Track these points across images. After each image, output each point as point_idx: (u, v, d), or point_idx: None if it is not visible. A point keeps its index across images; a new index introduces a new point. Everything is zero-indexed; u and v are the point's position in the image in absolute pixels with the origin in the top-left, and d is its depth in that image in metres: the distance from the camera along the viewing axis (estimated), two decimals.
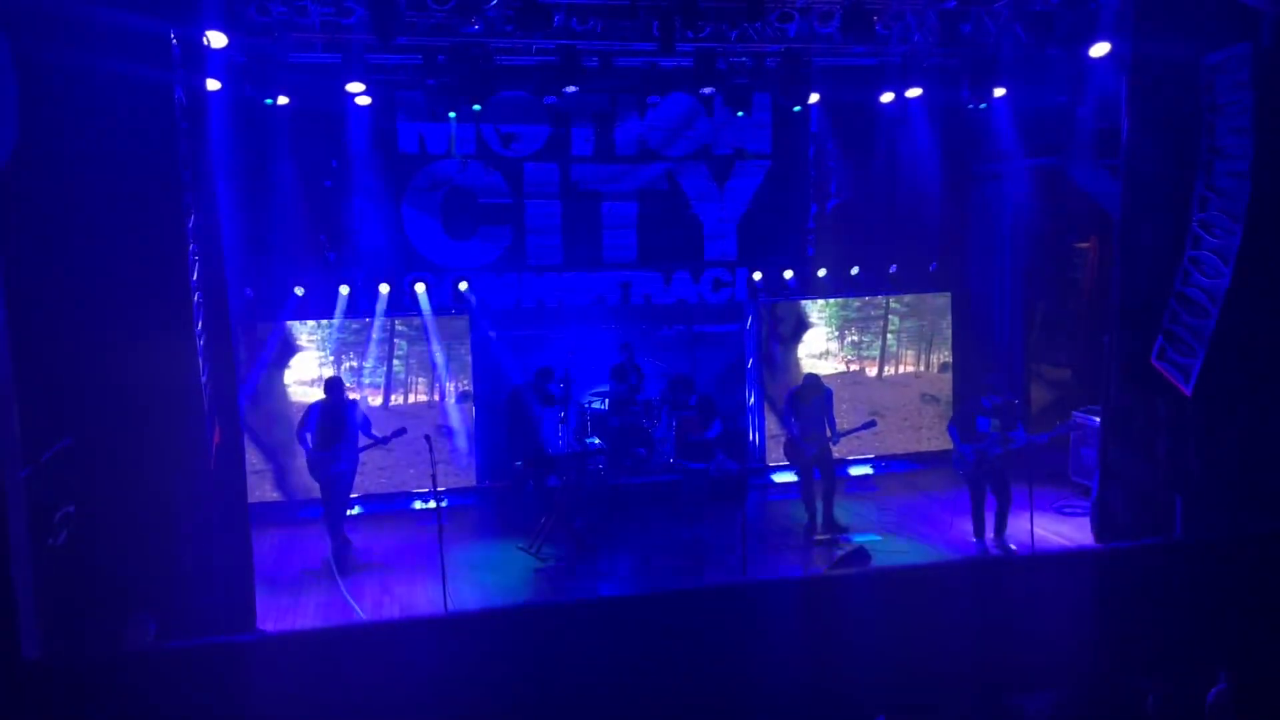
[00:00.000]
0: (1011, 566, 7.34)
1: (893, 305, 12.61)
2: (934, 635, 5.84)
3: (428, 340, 11.52)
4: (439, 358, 11.47)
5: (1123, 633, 6.12)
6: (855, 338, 12.56)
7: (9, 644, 5.19)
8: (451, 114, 10.59)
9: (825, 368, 12.08)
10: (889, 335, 12.66)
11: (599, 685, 5.47)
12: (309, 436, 9.55)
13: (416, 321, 11.50)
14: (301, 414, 9.77)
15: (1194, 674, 5.32)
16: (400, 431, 9.62)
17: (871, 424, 10.69)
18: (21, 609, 5.27)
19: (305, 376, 11.17)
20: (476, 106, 10.34)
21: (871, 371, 12.62)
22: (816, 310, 12.42)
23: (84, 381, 6.64)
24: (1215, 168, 8.28)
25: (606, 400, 11.86)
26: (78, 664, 5.44)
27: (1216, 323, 8.16)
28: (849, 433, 10.34)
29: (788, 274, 12.58)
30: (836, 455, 10.62)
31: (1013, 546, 9.32)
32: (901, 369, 12.73)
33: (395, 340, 11.47)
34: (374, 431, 9.74)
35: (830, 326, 12.47)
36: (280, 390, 11.14)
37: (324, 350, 11.23)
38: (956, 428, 9.47)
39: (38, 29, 6.08)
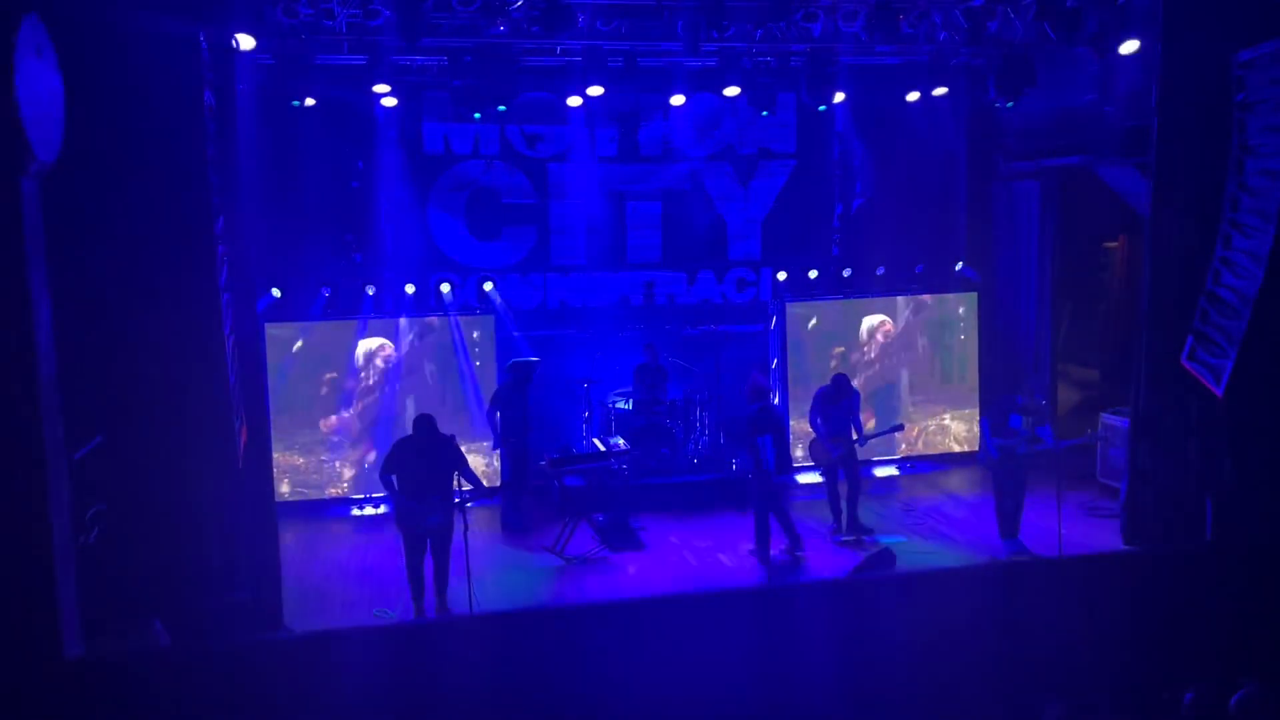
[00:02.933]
0: (1039, 571, 7.28)
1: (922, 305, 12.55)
2: (960, 640, 5.81)
3: (457, 340, 11.58)
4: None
5: (1151, 638, 6.07)
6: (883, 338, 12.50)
7: (51, 644, 5.26)
8: (476, 114, 10.64)
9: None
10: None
11: (624, 687, 5.47)
12: (394, 480, 8.13)
13: (447, 321, 11.56)
14: (386, 453, 8.37)
15: (1224, 679, 5.27)
16: (513, 480, 8.47)
17: (899, 428, 10.62)
18: (64, 609, 5.34)
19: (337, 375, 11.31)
20: (501, 107, 10.38)
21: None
22: (842, 310, 12.38)
23: (114, 380, 6.73)
24: (1247, 166, 8.17)
25: (630, 400, 11.86)
26: (118, 663, 5.51)
27: (1249, 323, 8.05)
28: (875, 435, 10.27)
29: (812, 274, 12.53)
30: (861, 456, 10.57)
31: (1029, 553, 9.22)
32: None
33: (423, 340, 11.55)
34: (477, 478, 8.31)
35: (856, 327, 12.42)
36: (311, 389, 11.21)
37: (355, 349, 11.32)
38: (989, 422, 9.40)
39: (72, 34, 6.15)
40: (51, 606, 5.27)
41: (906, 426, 11.67)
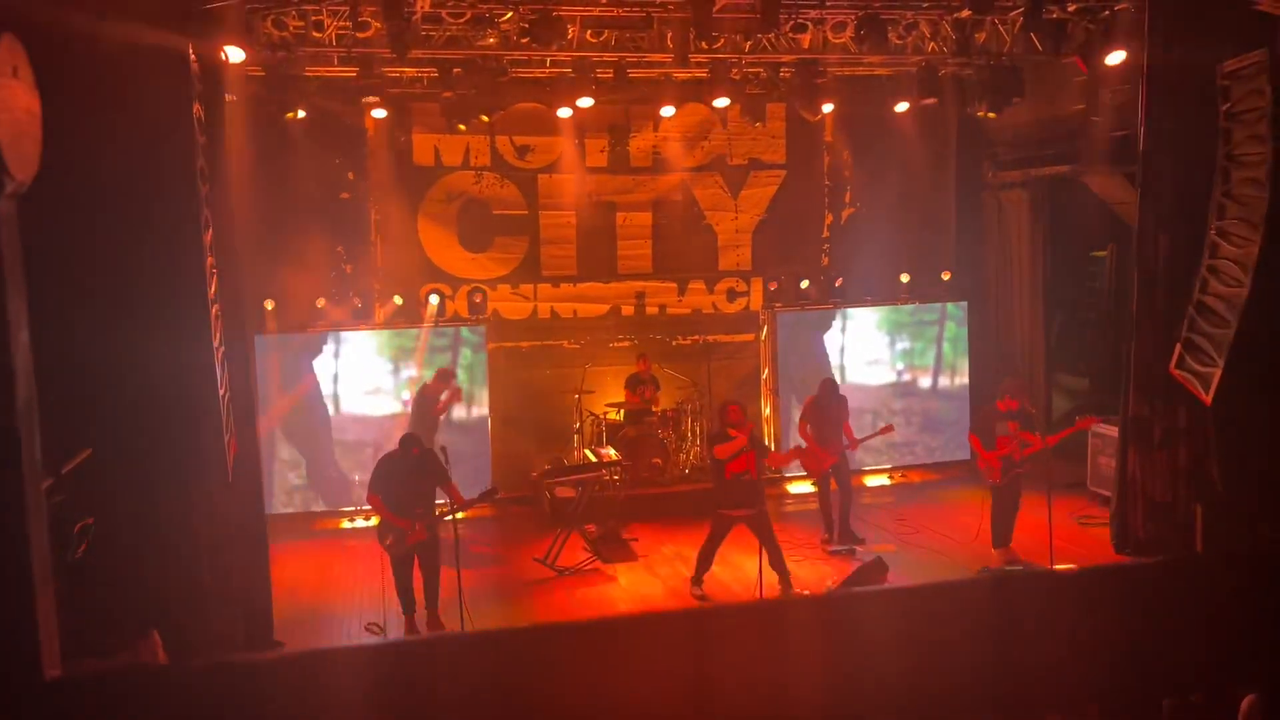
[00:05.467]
0: (1031, 581, 7.26)
1: (902, 314, 12.59)
2: (952, 654, 5.79)
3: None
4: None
5: (1144, 647, 6.06)
6: (871, 347, 12.54)
7: (31, 663, 5.20)
8: (461, 126, 10.67)
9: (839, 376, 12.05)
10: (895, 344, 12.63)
11: (618, 703, 5.45)
12: (380, 497, 8.04)
13: (449, 332, 11.61)
14: (373, 470, 8.23)
15: (1216, 688, 5.27)
16: (490, 493, 8.36)
17: (888, 429, 10.63)
18: (43, 628, 5.28)
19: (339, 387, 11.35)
20: (485, 118, 10.40)
21: (888, 380, 12.59)
22: (836, 319, 12.42)
23: (101, 394, 6.67)
24: (1233, 175, 8.22)
25: (622, 411, 11.85)
26: (98, 683, 5.44)
27: (1236, 332, 8.08)
28: (865, 439, 10.28)
29: (803, 283, 12.57)
30: (854, 465, 10.56)
31: (1021, 561, 9.23)
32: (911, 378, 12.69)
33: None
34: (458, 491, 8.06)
35: (849, 335, 12.45)
36: (310, 402, 11.21)
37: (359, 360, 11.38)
38: (977, 435, 9.41)
39: (57, 46, 6.12)
40: (30, 627, 5.22)
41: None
